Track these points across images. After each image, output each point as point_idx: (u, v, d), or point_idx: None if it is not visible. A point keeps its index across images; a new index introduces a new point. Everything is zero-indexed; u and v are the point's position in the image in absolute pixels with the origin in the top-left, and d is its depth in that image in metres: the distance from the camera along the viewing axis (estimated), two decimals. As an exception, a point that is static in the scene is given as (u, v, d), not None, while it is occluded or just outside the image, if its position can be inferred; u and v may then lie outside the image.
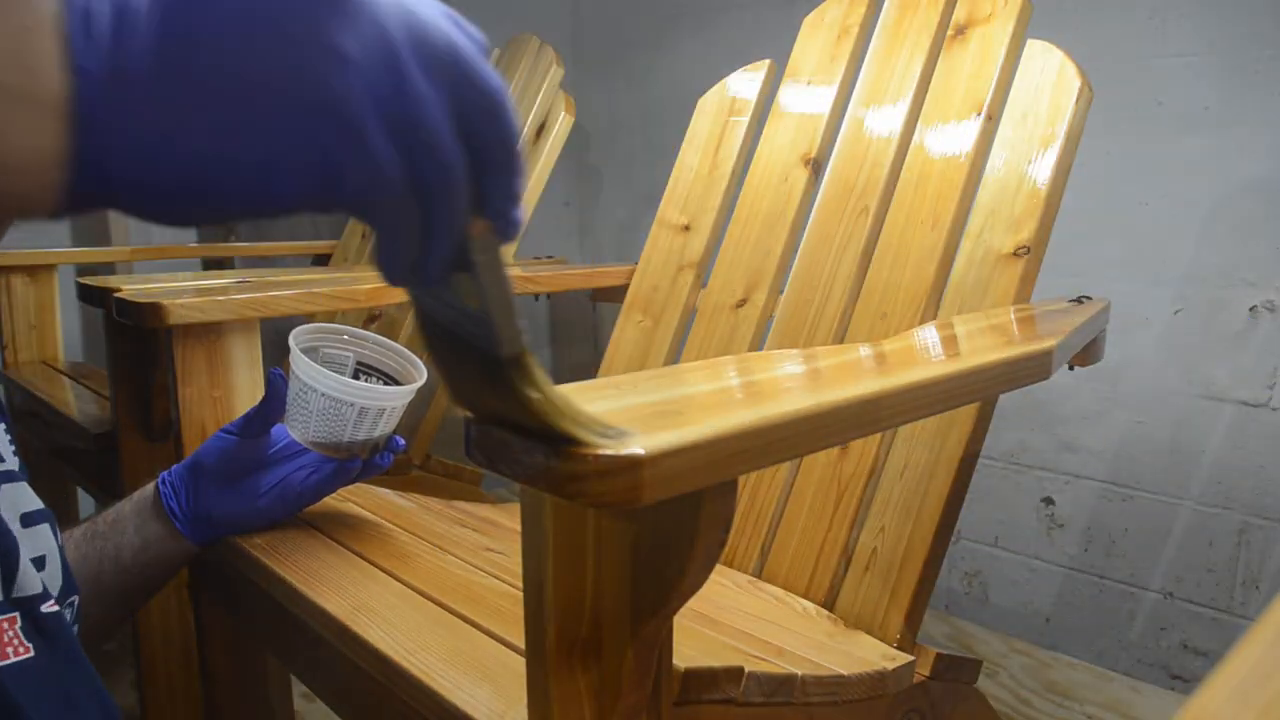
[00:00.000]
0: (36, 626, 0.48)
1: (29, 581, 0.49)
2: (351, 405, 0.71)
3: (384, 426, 0.74)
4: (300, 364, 0.71)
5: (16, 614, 0.47)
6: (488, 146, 0.28)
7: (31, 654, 0.47)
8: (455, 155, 0.27)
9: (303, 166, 0.25)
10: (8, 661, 0.45)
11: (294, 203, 0.26)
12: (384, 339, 0.80)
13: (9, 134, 0.23)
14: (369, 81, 0.26)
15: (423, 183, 0.27)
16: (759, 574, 0.86)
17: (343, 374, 0.76)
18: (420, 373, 0.77)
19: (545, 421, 0.31)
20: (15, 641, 0.46)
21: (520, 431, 0.33)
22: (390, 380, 0.79)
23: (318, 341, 0.77)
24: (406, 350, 0.79)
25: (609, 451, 0.31)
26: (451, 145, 0.27)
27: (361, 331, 0.79)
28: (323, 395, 0.71)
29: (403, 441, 0.78)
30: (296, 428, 0.73)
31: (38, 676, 0.47)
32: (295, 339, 0.74)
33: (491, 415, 0.34)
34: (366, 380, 0.78)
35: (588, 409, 0.33)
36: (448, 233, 0.28)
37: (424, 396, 0.78)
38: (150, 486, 0.73)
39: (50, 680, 0.48)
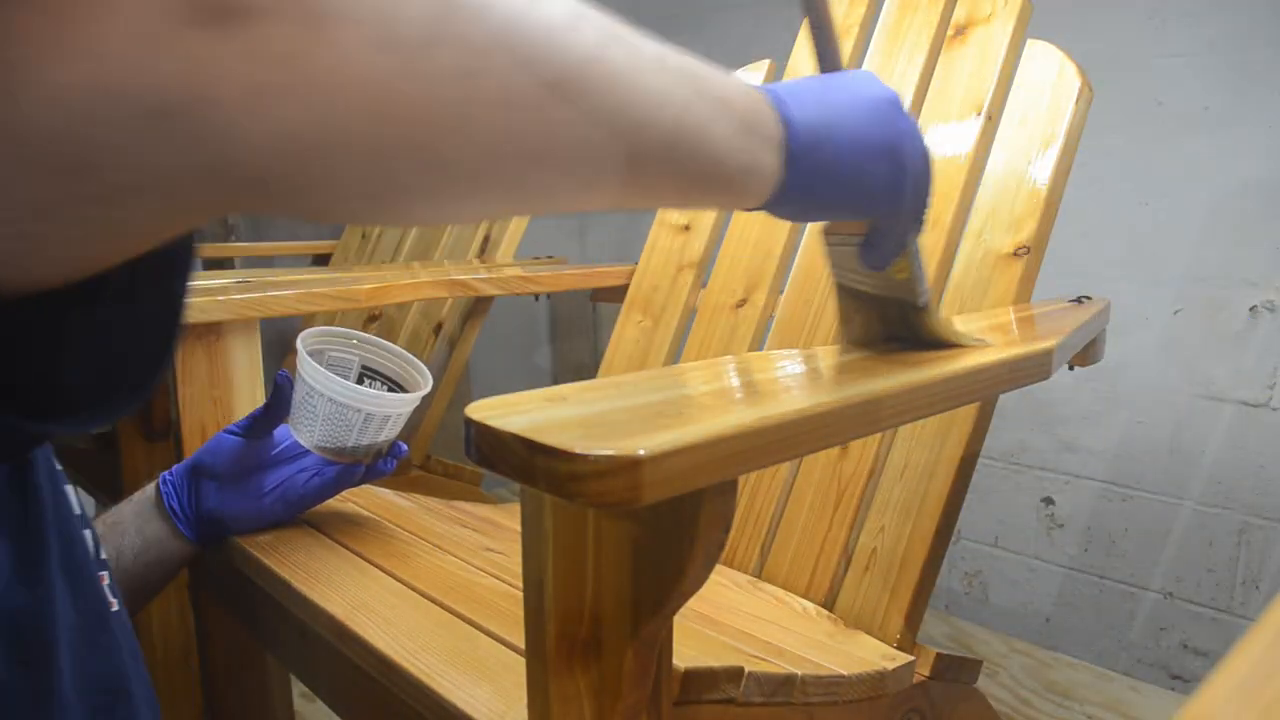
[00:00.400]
0: (114, 588, 0.51)
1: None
2: (358, 411, 0.71)
3: (389, 432, 0.74)
4: (307, 368, 0.71)
5: (105, 572, 0.50)
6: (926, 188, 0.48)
7: (117, 608, 0.50)
8: (926, 196, 0.48)
9: (885, 192, 0.45)
10: (113, 609, 0.48)
11: (874, 206, 0.46)
12: (391, 345, 0.80)
13: (765, 160, 0.39)
14: (914, 153, 0.45)
15: (915, 208, 0.47)
16: (759, 574, 0.86)
17: (347, 378, 0.76)
18: (426, 380, 0.77)
19: (940, 336, 0.53)
20: (110, 594, 0.49)
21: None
22: (395, 386, 0.79)
23: (324, 345, 0.77)
24: (413, 356, 0.79)
25: (608, 452, 0.31)
26: (926, 192, 0.47)
27: (369, 336, 0.79)
28: (329, 400, 0.71)
29: (405, 447, 0.78)
30: (302, 431, 0.73)
31: (125, 629, 0.50)
32: (303, 342, 0.74)
33: (879, 342, 0.54)
34: (371, 385, 0.78)
35: (961, 329, 0.55)
36: (911, 233, 0.49)
37: (425, 399, 0.79)
38: (151, 486, 0.73)
39: (129, 635, 0.51)
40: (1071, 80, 0.84)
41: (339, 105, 0.23)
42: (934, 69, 0.95)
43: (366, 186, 0.25)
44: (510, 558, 0.74)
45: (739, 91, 0.38)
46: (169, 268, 0.29)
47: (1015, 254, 0.83)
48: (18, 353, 0.27)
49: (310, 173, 0.24)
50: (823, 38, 0.50)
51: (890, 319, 0.53)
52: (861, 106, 0.44)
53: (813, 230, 0.98)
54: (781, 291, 0.99)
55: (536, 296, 1.58)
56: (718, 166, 0.37)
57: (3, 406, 0.27)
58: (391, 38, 0.23)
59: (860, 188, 0.44)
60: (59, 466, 0.51)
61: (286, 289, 0.94)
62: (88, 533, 0.49)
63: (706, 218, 1.12)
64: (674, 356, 1.10)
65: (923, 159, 0.46)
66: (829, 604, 0.80)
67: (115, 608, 0.50)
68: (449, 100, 0.25)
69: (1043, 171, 0.83)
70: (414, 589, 0.65)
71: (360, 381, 0.78)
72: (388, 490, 0.91)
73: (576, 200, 0.33)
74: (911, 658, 0.72)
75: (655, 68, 0.33)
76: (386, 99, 0.23)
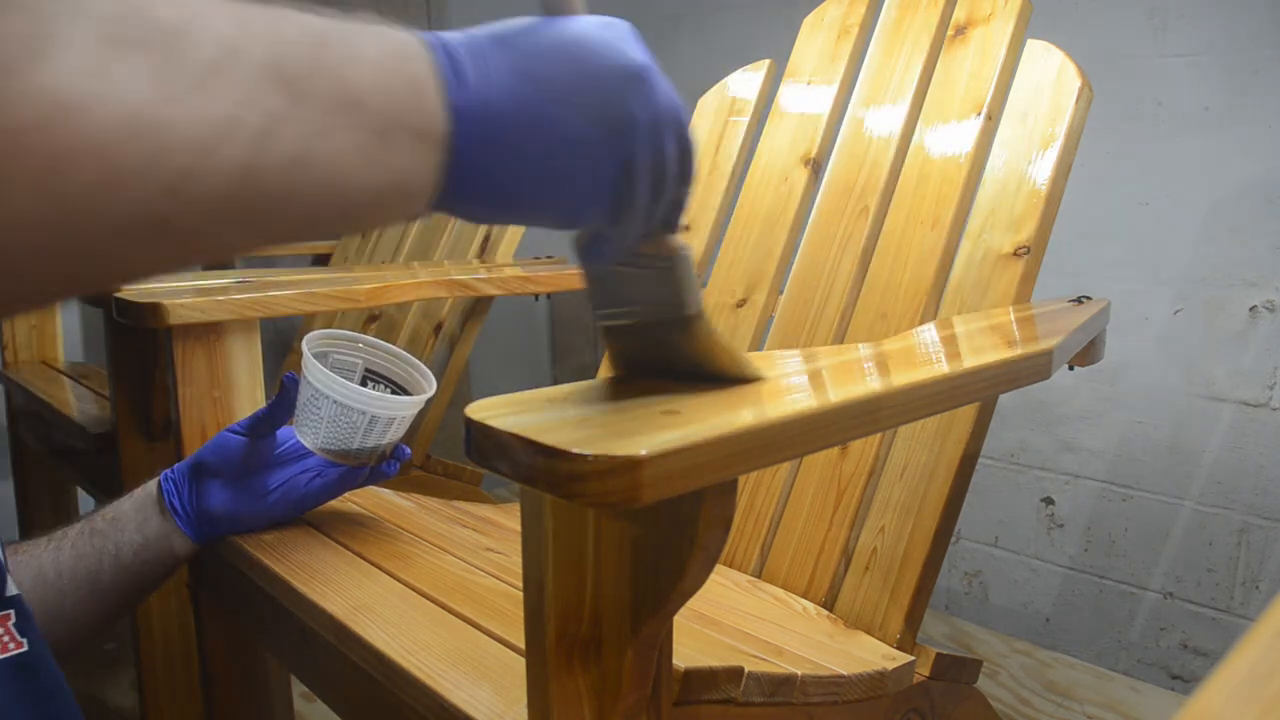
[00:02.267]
0: (24, 625, 0.50)
1: (14, 582, 0.50)
2: (362, 413, 0.71)
3: (392, 435, 0.74)
4: (312, 370, 0.71)
5: (11, 611, 0.49)
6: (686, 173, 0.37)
7: (26, 649, 0.48)
8: (676, 184, 0.36)
9: (604, 200, 0.34)
10: (6, 655, 0.47)
11: (583, 218, 0.35)
12: (394, 347, 0.80)
13: (413, 172, 0.29)
14: (647, 132, 0.33)
15: (658, 204, 0.36)
16: (759, 574, 0.86)
17: (351, 380, 0.76)
18: (429, 383, 0.77)
19: (718, 359, 0.42)
20: (7, 638, 0.48)
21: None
22: (398, 389, 0.79)
23: (328, 347, 0.77)
24: (416, 359, 0.79)
25: (608, 452, 0.31)
26: (676, 177, 0.36)
27: (373, 339, 0.79)
28: (334, 402, 0.71)
29: (409, 450, 0.78)
30: (306, 433, 0.73)
31: (30, 671, 0.48)
32: (307, 344, 0.74)
33: (657, 371, 0.44)
34: (374, 388, 0.78)
35: (745, 356, 0.44)
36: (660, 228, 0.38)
37: (428, 402, 0.79)
38: (152, 484, 0.73)
39: (43, 674, 0.49)
40: (1071, 80, 0.84)
41: None
42: (934, 69, 0.94)
43: None
44: (510, 558, 0.74)
45: (377, 75, 0.27)
46: None
47: (1015, 254, 0.83)
48: None
49: None
50: None
51: (656, 345, 0.43)
52: (587, 83, 0.31)
53: (812, 231, 0.98)
54: (781, 291, 0.99)
55: (536, 296, 1.57)
56: (329, 196, 0.26)
57: None
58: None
59: (564, 197, 0.33)
60: None
61: (287, 289, 0.94)
62: None
63: (707, 217, 1.12)
64: (674, 356, 1.10)
65: (676, 144, 0.35)
66: (829, 604, 0.80)
67: (16, 650, 0.47)
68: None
69: (1043, 171, 0.83)
70: (414, 589, 0.65)
71: (363, 384, 0.78)
72: (388, 490, 0.91)
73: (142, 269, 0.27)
74: (911, 658, 0.72)
75: (201, 82, 0.24)
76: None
